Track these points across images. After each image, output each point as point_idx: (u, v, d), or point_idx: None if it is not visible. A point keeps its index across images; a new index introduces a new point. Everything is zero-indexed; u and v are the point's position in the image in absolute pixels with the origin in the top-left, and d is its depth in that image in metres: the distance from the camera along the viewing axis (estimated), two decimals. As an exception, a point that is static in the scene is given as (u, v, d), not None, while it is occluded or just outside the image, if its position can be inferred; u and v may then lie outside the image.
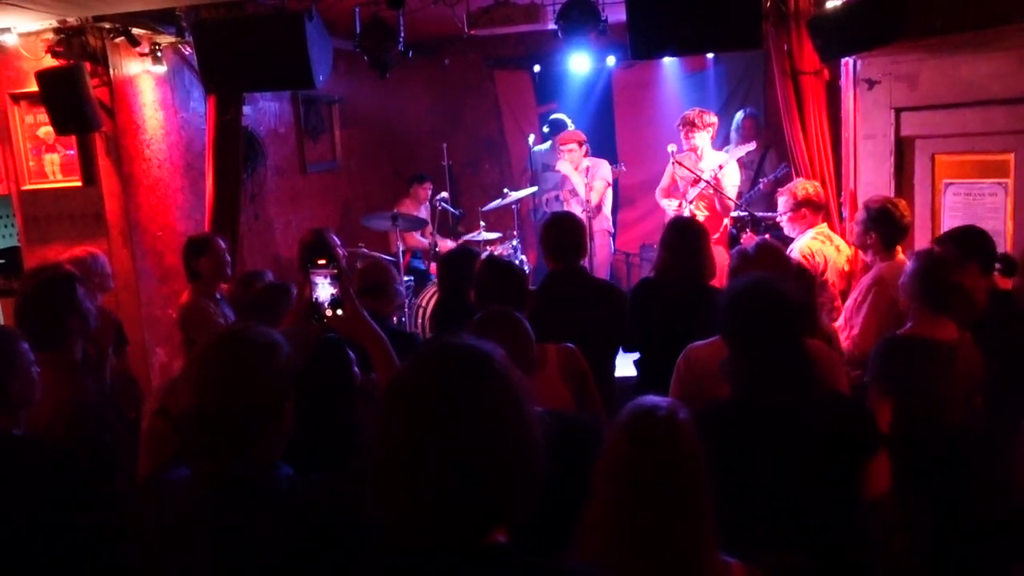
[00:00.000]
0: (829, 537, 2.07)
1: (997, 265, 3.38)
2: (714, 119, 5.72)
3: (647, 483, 1.60)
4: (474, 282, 3.24)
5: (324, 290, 2.11)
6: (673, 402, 1.72)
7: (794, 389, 2.11)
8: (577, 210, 6.03)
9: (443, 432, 1.21)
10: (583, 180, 6.22)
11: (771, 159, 6.47)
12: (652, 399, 1.73)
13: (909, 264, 3.08)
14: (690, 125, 5.64)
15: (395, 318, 6.28)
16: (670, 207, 5.81)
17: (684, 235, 3.72)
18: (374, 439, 1.27)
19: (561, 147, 6.41)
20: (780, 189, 4.58)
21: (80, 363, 3.03)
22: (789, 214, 4.39)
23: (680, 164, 5.66)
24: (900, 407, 2.76)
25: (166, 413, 2.13)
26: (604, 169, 6.39)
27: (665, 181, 6.05)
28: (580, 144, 6.39)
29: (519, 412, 1.27)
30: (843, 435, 2.10)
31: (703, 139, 5.69)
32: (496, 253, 6.59)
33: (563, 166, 6.40)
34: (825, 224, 4.45)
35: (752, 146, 5.93)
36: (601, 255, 6.30)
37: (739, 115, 6.77)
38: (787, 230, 4.47)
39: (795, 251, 4.20)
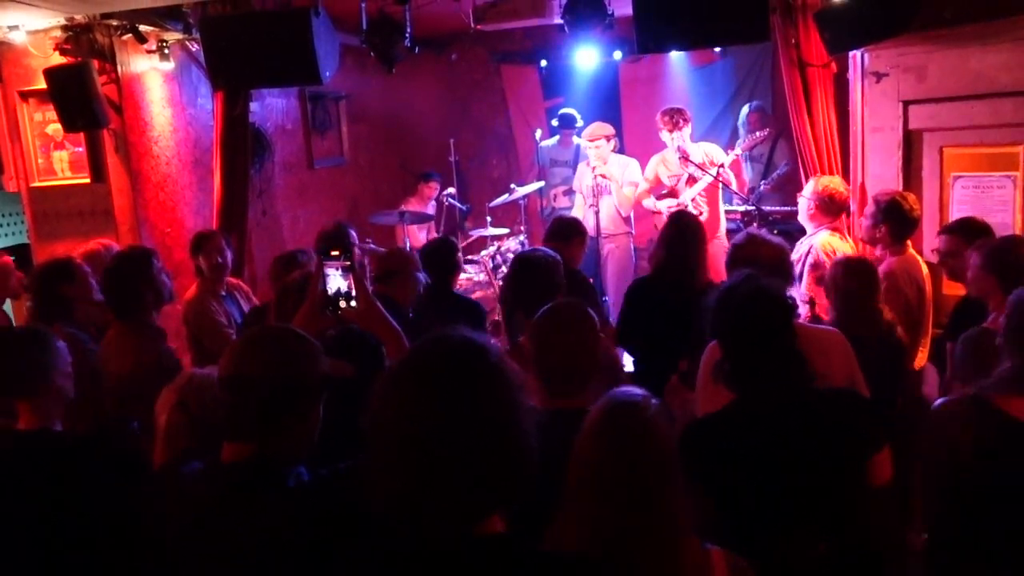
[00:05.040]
0: (834, 527, 2.07)
1: None
2: (689, 115, 5.75)
3: (614, 475, 1.61)
4: (505, 282, 3.24)
5: (336, 282, 2.11)
6: (645, 395, 1.73)
7: (786, 384, 2.11)
8: (590, 213, 5.98)
9: (431, 425, 1.24)
10: (617, 182, 6.05)
11: (781, 149, 6.42)
12: (625, 392, 1.73)
13: (973, 258, 3.08)
14: (674, 123, 5.64)
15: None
16: (666, 208, 5.70)
17: (684, 233, 3.73)
18: (370, 430, 1.29)
19: (590, 142, 6.09)
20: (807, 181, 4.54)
21: (158, 331, 3.45)
22: (809, 203, 4.32)
23: (690, 161, 5.61)
24: None
25: (186, 407, 2.13)
26: (636, 169, 6.16)
27: (650, 174, 5.94)
28: (608, 139, 6.11)
29: (509, 406, 1.29)
30: (849, 430, 2.10)
31: (686, 135, 5.70)
32: (505, 247, 6.59)
33: (607, 168, 6.05)
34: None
35: (764, 133, 5.85)
36: (623, 258, 6.20)
37: (745, 109, 6.71)
38: (801, 215, 4.43)
39: (815, 247, 4.15)
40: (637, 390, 1.74)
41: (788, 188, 6.22)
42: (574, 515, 1.63)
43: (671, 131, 5.65)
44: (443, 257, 4.12)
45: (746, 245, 3.20)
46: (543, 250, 3.44)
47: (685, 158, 5.61)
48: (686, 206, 5.62)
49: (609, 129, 6.16)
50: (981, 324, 2.97)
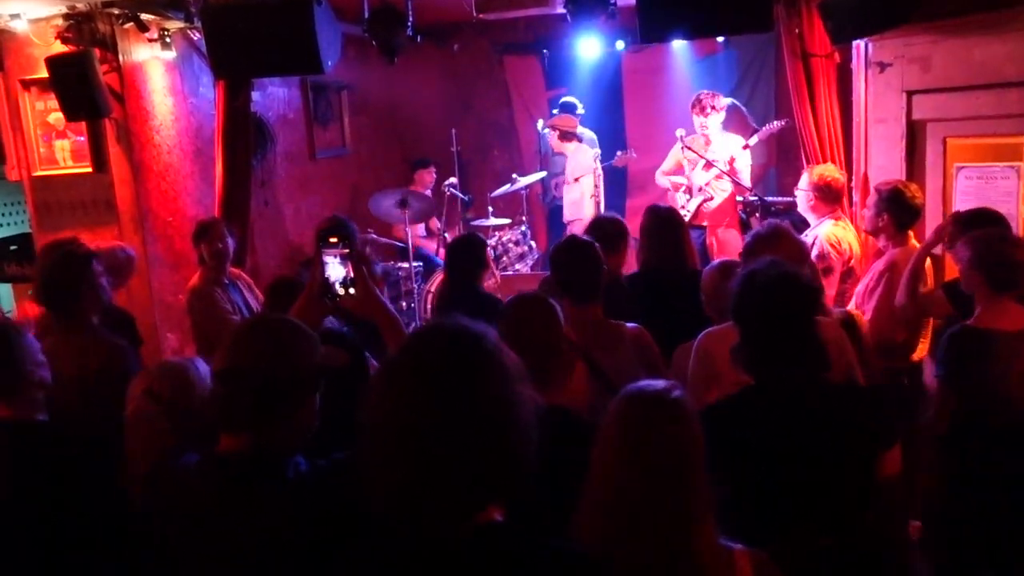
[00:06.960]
0: (844, 519, 2.08)
1: None
2: (725, 102, 5.72)
3: (643, 461, 1.60)
4: (551, 261, 3.16)
5: (336, 270, 2.11)
6: (669, 383, 1.72)
7: (807, 369, 2.11)
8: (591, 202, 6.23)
9: (429, 415, 1.23)
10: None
11: (753, 150, 6.39)
12: (646, 381, 1.73)
13: (963, 250, 2.95)
14: (702, 107, 5.64)
15: (404, 304, 6.32)
16: (671, 184, 5.93)
17: (665, 223, 3.76)
18: (367, 419, 1.29)
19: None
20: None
21: (97, 331, 3.15)
22: (808, 195, 4.33)
23: (689, 148, 5.64)
24: (964, 401, 2.75)
25: (152, 394, 2.13)
26: (586, 155, 6.54)
27: (668, 164, 6.06)
28: (553, 128, 6.67)
29: (507, 394, 1.28)
30: (861, 426, 2.10)
31: (714, 122, 5.68)
32: (507, 238, 6.60)
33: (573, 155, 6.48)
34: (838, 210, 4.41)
35: (781, 123, 5.80)
36: None
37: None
38: (802, 209, 4.44)
39: (820, 238, 4.15)
40: (659, 381, 1.73)
41: (787, 182, 6.22)
42: (598, 503, 1.61)
43: (704, 116, 5.66)
44: (471, 253, 4.08)
45: (769, 237, 3.10)
46: (585, 237, 3.25)
47: (687, 146, 5.65)
48: (689, 180, 5.81)
49: (557, 121, 6.74)
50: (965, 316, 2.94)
